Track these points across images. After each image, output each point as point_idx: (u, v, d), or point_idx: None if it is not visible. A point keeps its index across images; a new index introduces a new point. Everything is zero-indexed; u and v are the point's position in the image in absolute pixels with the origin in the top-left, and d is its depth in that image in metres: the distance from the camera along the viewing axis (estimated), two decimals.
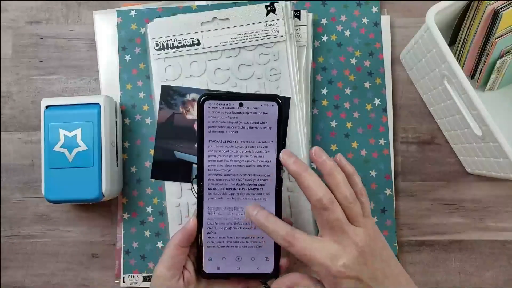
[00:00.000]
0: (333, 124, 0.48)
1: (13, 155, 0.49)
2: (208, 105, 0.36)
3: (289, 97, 0.46)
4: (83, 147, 0.43)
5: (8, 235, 0.49)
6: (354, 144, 0.48)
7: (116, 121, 0.46)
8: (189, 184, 0.46)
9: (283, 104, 0.36)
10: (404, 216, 0.48)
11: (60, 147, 0.43)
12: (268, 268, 0.38)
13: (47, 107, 0.44)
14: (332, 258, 0.32)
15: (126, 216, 0.48)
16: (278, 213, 0.38)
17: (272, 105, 0.36)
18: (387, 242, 0.36)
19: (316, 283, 0.34)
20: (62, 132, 0.43)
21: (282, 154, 0.36)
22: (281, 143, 0.37)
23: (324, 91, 0.49)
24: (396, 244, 0.47)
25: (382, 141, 0.48)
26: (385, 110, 0.48)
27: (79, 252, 0.48)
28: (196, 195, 0.37)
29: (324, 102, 0.49)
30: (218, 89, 0.47)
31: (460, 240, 0.48)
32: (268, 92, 0.47)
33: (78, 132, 0.43)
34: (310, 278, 0.35)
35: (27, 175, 0.49)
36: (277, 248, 0.38)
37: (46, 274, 0.48)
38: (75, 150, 0.43)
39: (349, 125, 0.48)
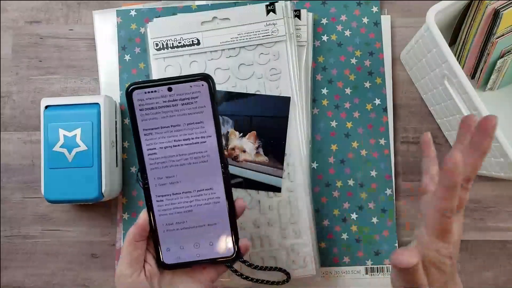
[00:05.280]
0: (333, 124, 0.48)
1: (13, 155, 0.49)
2: (137, 94, 0.35)
3: (289, 97, 0.46)
4: (82, 147, 0.43)
5: (8, 235, 0.49)
6: (354, 144, 0.48)
7: (116, 121, 0.46)
8: None
9: (213, 81, 0.35)
10: (404, 216, 0.48)
11: (60, 147, 0.43)
12: (229, 251, 0.37)
13: (47, 107, 0.44)
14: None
15: (126, 216, 0.48)
16: (229, 193, 0.36)
17: (202, 85, 0.35)
18: None
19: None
20: (62, 132, 0.43)
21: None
22: (218, 120, 0.35)
23: (324, 91, 0.49)
24: (397, 244, 0.47)
25: (382, 141, 0.48)
26: (385, 110, 0.48)
27: (79, 252, 0.48)
28: (142, 187, 0.37)
29: (324, 102, 0.48)
30: (218, 89, 0.47)
31: (460, 240, 0.48)
32: (268, 92, 0.47)
33: (77, 132, 0.43)
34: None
35: (27, 175, 0.49)
36: (235, 230, 0.37)
37: (46, 274, 0.48)
38: (75, 150, 0.43)
39: (349, 125, 0.48)
